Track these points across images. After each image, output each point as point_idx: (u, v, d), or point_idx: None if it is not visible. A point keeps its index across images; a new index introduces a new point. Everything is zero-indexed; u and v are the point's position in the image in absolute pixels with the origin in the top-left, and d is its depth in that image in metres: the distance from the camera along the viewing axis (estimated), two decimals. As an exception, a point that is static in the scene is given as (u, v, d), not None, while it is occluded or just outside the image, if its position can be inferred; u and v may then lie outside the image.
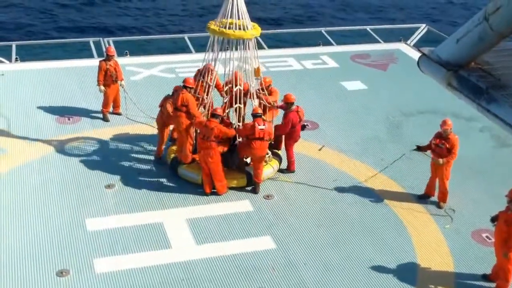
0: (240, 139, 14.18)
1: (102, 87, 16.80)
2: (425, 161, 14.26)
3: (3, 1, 38.19)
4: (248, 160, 14.46)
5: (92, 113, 17.27)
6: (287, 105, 14.57)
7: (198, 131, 14.03)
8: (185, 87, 14.12)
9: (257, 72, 14.46)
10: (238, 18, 13.67)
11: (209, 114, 13.92)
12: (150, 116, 16.63)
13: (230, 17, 13.66)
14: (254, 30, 14.00)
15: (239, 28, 13.68)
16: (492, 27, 5.74)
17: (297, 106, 14.64)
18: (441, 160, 13.45)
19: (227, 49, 14.09)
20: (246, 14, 13.77)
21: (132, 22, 36.56)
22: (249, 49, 14.04)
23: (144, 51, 24.08)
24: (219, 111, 13.76)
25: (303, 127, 14.88)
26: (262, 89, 14.64)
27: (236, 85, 14.23)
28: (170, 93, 14.87)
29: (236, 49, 14.02)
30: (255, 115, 13.84)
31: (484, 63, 6.33)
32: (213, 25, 13.85)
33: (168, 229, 12.73)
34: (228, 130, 13.81)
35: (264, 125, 13.75)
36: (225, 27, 13.66)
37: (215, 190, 13.93)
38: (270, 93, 14.92)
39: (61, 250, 11.96)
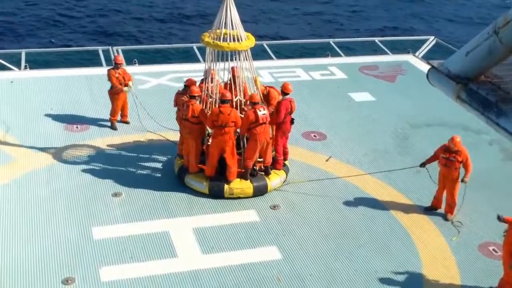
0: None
1: (125, 87, 16.90)
2: (432, 173, 14.18)
3: (13, 9, 38.47)
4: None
5: (100, 122, 17.32)
6: (283, 94, 14.54)
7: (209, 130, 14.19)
8: (192, 97, 14.13)
9: (255, 82, 14.51)
10: (232, 29, 13.75)
11: (219, 101, 13.90)
12: (159, 123, 16.74)
13: (224, 28, 13.75)
14: (248, 41, 14.07)
15: (233, 39, 13.75)
16: (502, 40, 5.76)
17: (291, 97, 14.59)
18: (467, 180, 13.50)
19: (224, 60, 14.15)
20: (240, 25, 13.86)
21: (141, 31, 36.73)
22: (246, 60, 14.13)
23: (152, 60, 24.18)
24: (228, 95, 13.81)
25: (292, 121, 14.81)
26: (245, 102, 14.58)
27: (236, 95, 14.30)
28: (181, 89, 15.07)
29: (232, 60, 14.15)
30: (254, 103, 13.88)
31: (494, 76, 6.34)
32: (207, 37, 13.92)
33: (174, 238, 12.73)
34: (240, 118, 13.91)
35: (264, 110, 13.85)
36: (219, 39, 13.73)
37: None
38: (269, 97, 14.86)
39: (67, 258, 11.96)
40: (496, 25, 5.79)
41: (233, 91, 14.26)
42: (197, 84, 14.74)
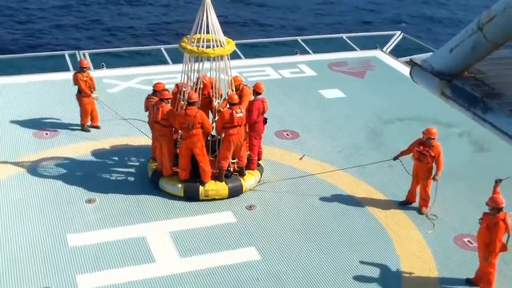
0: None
1: (95, 94, 16.79)
2: (406, 167, 14.28)
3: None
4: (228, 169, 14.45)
5: (70, 127, 17.12)
6: (255, 93, 14.52)
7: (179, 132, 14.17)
8: (162, 99, 14.04)
9: (231, 84, 14.47)
10: (214, 33, 13.67)
11: (186, 103, 13.84)
12: (132, 124, 16.70)
13: (205, 32, 13.64)
14: (230, 45, 14.07)
15: (216, 45, 13.67)
16: (486, 36, 5.79)
17: (263, 97, 14.57)
18: (438, 178, 13.64)
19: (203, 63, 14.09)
20: (219, 29, 13.79)
21: (107, 34, 36.39)
22: (225, 61, 14.09)
23: (120, 63, 23.95)
24: (195, 97, 13.76)
25: (265, 121, 14.80)
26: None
27: (215, 99, 14.28)
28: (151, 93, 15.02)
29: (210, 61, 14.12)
30: (232, 104, 13.84)
31: (478, 72, 6.38)
32: (189, 45, 13.80)
33: (151, 243, 12.63)
34: (207, 119, 13.88)
35: (241, 112, 13.81)
36: (199, 44, 13.62)
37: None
38: (242, 94, 14.80)
39: (43, 267, 11.79)
40: (480, 21, 5.82)
41: (214, 97, 14.22)
42: (173, 87, 14.64)
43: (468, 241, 13.02)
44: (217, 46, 13.75)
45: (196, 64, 14.08)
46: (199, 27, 13.62)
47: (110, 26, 37.89)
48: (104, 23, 38.08)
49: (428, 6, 46.22)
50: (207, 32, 13.67)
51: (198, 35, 13.74)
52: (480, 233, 11.40)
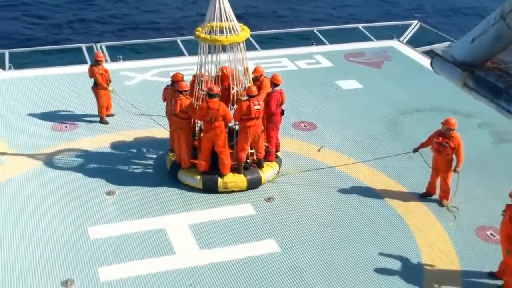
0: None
1: (110, 87, 16.85)
2: (426, 159, 14.19)
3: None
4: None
5: (88, 119, 17.19)
6: (273, 85, 14.46)
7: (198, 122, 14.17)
8: (180, 92, 13.99)
9: (247, 72, 14.39)
10: (226, 20, 13.55)
11: (207, 95, 13.76)
12: (150, 117, 16.74)
13: (219, 20, 13.51)
14: (244, 32, 13.93)
15: (229, 32, 13.58)
16: (510, 25, 5.66)
17: (281, 89, 14.51)
18: (459, 170, 13.52)
19: (218, 52, 13.91)
20: (233, 16, 13.66)
21: (125, 27, 36.41)
22: (240, 51, 13.95)
23: (137, 56, 23.98)
24: (216, 90, 13.68)
25: (283, 112, 14.74)
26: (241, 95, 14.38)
27: (233, 87, 14.19)
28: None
29: (226, 51, 13.94)
30: (250, 95, 13.79)
31: (501, 62, 6.26)
32: (202, 34, 13.73)
33: (171, 235, 12.64)
34: (229, 112, 13.84)
35: (259, 104, 13.76)
36: (213, 32, 13.52)
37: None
38: (261, 86, 14.75)
39: (65, 260, 11.85)
40: (503, 10, 5.71)
41: (232, 86, 14.15)
42: (190, 78, 14.59)
43: (491, 234, 12.91)
44: (231, 33, 13.65)
45: (212, 53, 13.95)
46: (212, 15, 13.54)
47: (127, 19, 37.90)
48: (121, 17, 38.09)
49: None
50: (221, 20, 13.58)
51: (212, 23, 13.65)
52: (503, 225, 11.27)
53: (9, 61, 21.06)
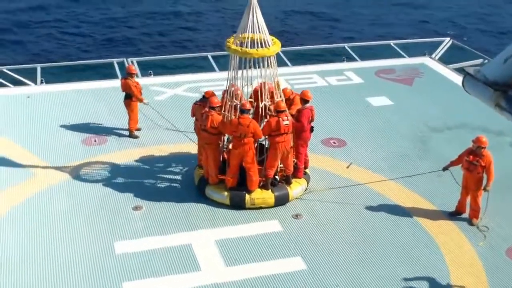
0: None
1: (145, 99, 17.02)
2: (456, 177, 13.98)
3: (29, 26, 38.69)
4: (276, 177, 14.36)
5: (117, 133, 17.30)
6: (303, 101, 14.39)
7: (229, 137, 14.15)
8: (212, 107, 13.99)
9: (277, 86, 14.32)
10: (258, 33, 13.47)
11: (239, 111, 13.73)
12: (183, 132, 16.81)
13: (251, 32, 13.43)
14: (275, 46, 13.84)
15: (260, 45, 13.53)
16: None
17: (311, 105, 14.44)
18: (489, 189, 13.31)
19: (249, 67, 13.81)
20: (265, 29, 13.57)
21: (155, 45, 36.78)
22: (271, 65, 13.87)
23: (167, 71, 24.16)
24: (248, 106, 13.66)
25: (312, 129, 14.66)
26: (269, 109, 14.30)
27: (262, 100, 14.12)
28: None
29: (258, 65, 13.78)
30: (279, 111, 13.73)
31: (534, 82, 6.10)
32: (233, 45, 13.70)
33: (197, 251, 12.60)
34: (259, 128, 13.78)
35: (287, 120, 13.69)
36: (245, 44, 13.46)
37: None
38: (292, 103, 14.73)
39: (91, 274, 11.87)
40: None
41: (259, 100, 14.08)
42: (221, 93, 14.58)
43: (521, 254, 12.66)
44: (262, 46, 13.58)
45: (243, 66, 13.83)
46: (245, 26, 13.50)
47: (158, 36, 38.28)
48: (152, 34, 38.49)
49: (478, 13, 45.53)
50: (253, 32, 13.48)
51: (244, 35, 13.60)
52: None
53: (40, 75, 21.33)
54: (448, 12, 45.00)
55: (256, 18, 13.38)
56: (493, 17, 44.50)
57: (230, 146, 14.20)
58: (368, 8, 45.03)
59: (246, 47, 13.47)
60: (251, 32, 13.43)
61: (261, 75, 13.96)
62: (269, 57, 13.74)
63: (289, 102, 14.63)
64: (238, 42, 13.63)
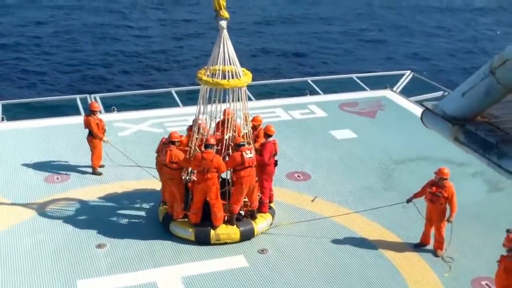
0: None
1: (105, 138, 16.85)
2: (419, 209, 14.07)
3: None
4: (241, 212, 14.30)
5: (80, 170, 17.10)
6: (266, 136, 14.42)
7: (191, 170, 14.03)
8: (172, 142, 13.93)
9: (246, 119, 14.35)
10: (229, 65, 13.50)
11: (203, 146, 13.69)
12: (139, 165, 16.72)
13: (221, 64, 13.44)
14: (246, 77, 13.85)
15: (232, 76, 13.54)
16: (499, 80, 5.65)
17: (274, 139, 14.47)
18: (452, 220, 13.44)
19: (216, 99, 13.83)
20: (237, 61, 13.61)
21: (117, 79, 36.74)
22: (241, 97, 13.86)
23: (131, 107, 24.06)
24: (212, 141, 13.62)
25: (276, 163, 14.66)
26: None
27: (227, 132, 14.09)
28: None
29: (228, 98, 13.79)
30: (239, 145, 13.70)
31: (491, 116, 6.23)
32: (204, 76, 13.70)
33: (162, 289, 12.43)
34: (223, 163, 13.69)
35: (250, 153, 13.67)
36: (216, 76, 13.44)
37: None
38: (258, 136, 14.78)
39: (53, 315, 11.62)
40: (492, 65, 5.70)
41: (225, 131, 14.06)
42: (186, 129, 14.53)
43: (486, 284, 12.70)
44: (233, 77, 13.58)
45: (212, 100, 13.84)
46: (215, 58, 13.52)
47: (120, 70, 38.27)
48: (115, 71, 38.46)
49: (434, 43, 46.59)
50: (224, 64, 13.49)
51: (215, 67, 13.59)
52: (497, 276, 11.16)
53: (1, 113, 21.06)
54: (408, 47, 45.88)
55: (227, 50, 13.43)
56: (453, 51, 45.49)
57: (194, 177, 14.09)
58: (333, 43, 45.77)
59: (217, 78, 13.48)
60: (222, 63, 13.44)
61: (231, 108, 13.95)
62: (240, 88, 13.75)
63: (256, 133, 14.66)
64: (209, 73, 13.63)
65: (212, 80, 13.49)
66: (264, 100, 23.55)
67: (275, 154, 14.46)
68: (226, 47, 13.42)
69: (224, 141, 14.12)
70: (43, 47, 42.30)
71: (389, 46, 45.77)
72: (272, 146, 14.32)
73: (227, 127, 14.06)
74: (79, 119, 18.63)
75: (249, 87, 22.72)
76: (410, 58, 42.66)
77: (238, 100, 13.84)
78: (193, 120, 14.51)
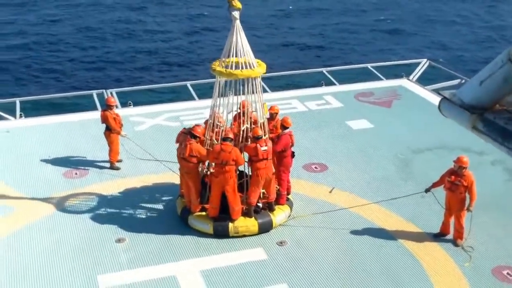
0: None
1: (123, 132, 16.92)
2: (439, 198, 13.99)
3: (7, 61, 38.63)
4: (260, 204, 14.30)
5: (98, 166, 17.18)
6: (283, 128, 14.40)
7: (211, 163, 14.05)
8: (193, 136, 13.94)
9: (265, 109, 14.31)
10: (242, 56, 13.47)
11: (221, 138, 13.73)
12: (161, 162, 16.75)
13: (234, 56, 13.44)
14: (260, 67, 13.83)
15: (245, 67, 13.52)
16: (518, 68, 5.57)
17: (290, 131, 14.44)
18: (472, 209, 13.32)
19: (233, 91, 13.79)
20: (250, 52, 13.59)
21: (134, 73, 36.84)
22: (256, 87, 13.82)
23: (147, 101, 24.13)
24: (230, 134, 13.64)
25: (293, 154, 14.65)
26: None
27: (244, 123, 14.09)
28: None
29: (243, 89, 13.75)
30: (256, 137, 13.71)
31: (510, 104, 6.15)
32: (218, 67, 13.73)
33: (182, 282, 12.44)
34: (241, 156, 13.73)
35: (266, 146, 13.67)
36: (230, 67, 13.47)
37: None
38: (276, 124, 14.80)
39: (74, 310, 11.70)
40: (510, 52, 5.63)
41: (242, 123, 14.05)
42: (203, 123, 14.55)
43: (508, 273, 12.64)
44: (246, 68, 13.51)
45: (228, 91, 13.81)
46: (229, 50, 13.51)
47: (138, 67, 38.37)
48: (131, 65, 38.57)
49: (453, 31, 46.20)
50: (237, 55, 13.46)
51: (229, 59, 13.53)
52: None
53: (20, 109, 21.20)
54: (426, 36, 45.56)
55: (240, 40, 13.41)
56: (469, 38, 45.13)
57: (211, 170, 14.10)
58: (349, 33, 45.59)
59: (231, 69, 13.47)
60: (235, 54, 13.41)
61: (246, 99, 13.93)
62: (254, 79, 13.73)
63: (273, 123, 14.66)
64: (223, 65, 13.63)
65: (226, 71, 13.48)
66: (280, 91, 23.49)
67: (292, 145, 14.43)
68: (240, 37, 13.40)
69: (241, 133, 14.11)
70: (59, 44, 42.48)
71: (406, 36, 45.50)
72: (288, 138, 14.29)
73: (244, 119, 14.05)
74: (96, 114, 18.72)
75: (265, 79, 22.87)
76: (427, 47, 42.36)
77: (253, 91, 13.80)
78: (206, 121, 14.55)
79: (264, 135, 13.89)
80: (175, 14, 51.16)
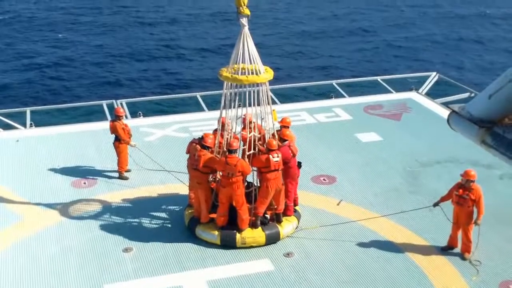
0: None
1: (132, 142, 16.99)
2: (446, 212, 13.95)
3: (14, 68, 38.89)
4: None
5: (107, 175, 17.23)
6: (281, 140, 14.37)
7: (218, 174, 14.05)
8: (204, 147, 13.98)
9: (274, 115, 14.31)
10: (250, 63, 13.50)
11: (226, 151, 13.76)
12: (170, 172, 16.78)
13: (242, 62, 13.48)
14: (266, 74, 13.84)
15: (252, 73, 13.54)
16: (526, 82, 5.56)
17: (289, 142, 14.42)
18: (479, 222, 13.27)
19: (237, 96, 13.82)
20: (257, 58, 13.60)
21: (144, 84, 37.02)
22: (263, 94, 13.83)
23: (157, 112, 24.24)
24: (235, 145, 13.67)
25: (299, 165, 14.63)
26: (259, 139, 14.33)
27: (250, 131, 14.11)
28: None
29: (252, 97, 13.74)
30: (270, 150, 13.72)
31: (518, 118, 6.13)
32: (225, 72, 13.75)
33: (188, 293, 12.48)
34: (248, 166, 13.76)
35: (278, 156, 13.66)
36: (237, 73, 13.51)
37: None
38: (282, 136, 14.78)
39: (80, 319, 11.72)
40: (519, 66, 5.63)
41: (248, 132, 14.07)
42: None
43: (515, 288, 12.59)
44: (253, 74, 13.50)
45: (234, 95, 13.83)
46: (236, 56, 13.54)
47: (147, 78, 38.56)
48: (141, 76, 38.76)
49: (463, 48, 46.18)
50: (244, 62, 13.47)
51: (238, 65, 13.53)
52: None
53: (30, 119, 21.33)
54: (433, 48, 45.57)
55: (248, 47, 13.45)
56: (478, 52, 45.07)
57: (219, 177, 14.12)
58: (360, 46, 45.65)
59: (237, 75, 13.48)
60: (242, 61, 13.43)
61: (252, 106, 13.87)
62: (262, 85, 13.73)
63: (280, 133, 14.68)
64: (231, 71, 13.65)
65: (231, 76, 13.51)
66: (289, 103, 23.52)
67: (294, 155, 14.39)
68: (247, 44, 13.44)
69: (248, 140, 14.11)
70: (68, 54, 42.75)
71: (416, 50, 45.50)
72: (287, 149, 14.24)
73: (250, 129, 14.08)
74: (106, 125, 18.79)
75: (274, 90, 22.92)
76: (436, 62, 42.34)
77: (261, 98, 13.80)
78: (215, 130, 14.59)
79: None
80: (185, 29, 51.36)
